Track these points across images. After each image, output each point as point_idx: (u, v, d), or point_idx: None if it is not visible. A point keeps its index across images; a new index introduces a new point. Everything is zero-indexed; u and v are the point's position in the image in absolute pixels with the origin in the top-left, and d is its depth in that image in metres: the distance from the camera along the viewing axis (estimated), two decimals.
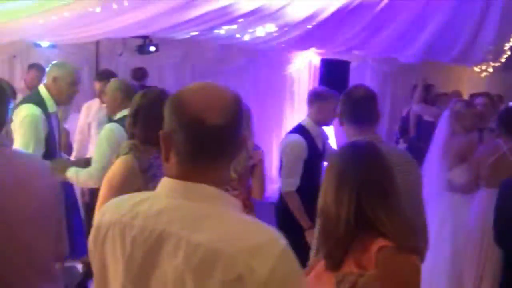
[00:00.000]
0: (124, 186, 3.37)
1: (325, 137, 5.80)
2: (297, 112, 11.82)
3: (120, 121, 4.94)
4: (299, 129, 5.64)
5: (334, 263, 2.50)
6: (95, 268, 1.89)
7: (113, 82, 5.52)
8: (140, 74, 9.69)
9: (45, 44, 9.37)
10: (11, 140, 4.86)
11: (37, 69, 8.57)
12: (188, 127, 1.73)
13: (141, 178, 3.48)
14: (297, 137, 5.52)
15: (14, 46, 9.05)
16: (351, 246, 2.48)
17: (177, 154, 1.77)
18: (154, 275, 1.71)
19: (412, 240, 2.47)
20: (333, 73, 10.74)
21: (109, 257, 1.81)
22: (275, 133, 11.56)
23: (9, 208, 2.69)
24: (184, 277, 1.64)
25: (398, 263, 2.40)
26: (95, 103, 7.13)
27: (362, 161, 2.58)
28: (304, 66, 12.05)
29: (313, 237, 4.92)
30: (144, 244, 1.72)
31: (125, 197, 1.91)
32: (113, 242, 1.79)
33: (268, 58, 11.40)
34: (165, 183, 1.81)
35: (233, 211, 1.77)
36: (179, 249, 1.66)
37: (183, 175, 1.76)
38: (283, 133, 11.10)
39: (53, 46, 9.43)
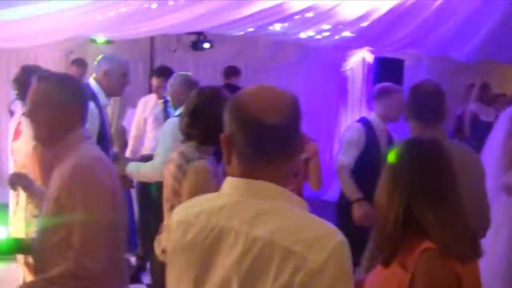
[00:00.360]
0: (204, 191, 3.40)
1: (392, 136, 5.65)
2: (350, 110, 11.75)
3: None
4: (362, 120, 5.59)
5: (384, 259, 2.50)
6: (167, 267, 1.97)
7: (176, 77, 5.55)
8: (232, 72, 9.68)
9: (100, 40, 9.49)
10: None
11: (78, 65, 8.70)
12: (248, 127, 1.77)
13: (215, 180, 3.49)
14: (357, 124, 5.50)
15: (70, 42, 9.17)
16: (400, 246, 2.45)
17: (239, 155, 1.80)
18: (213, 270, 1.76)
19: (460, 246, 2.39)
20: (387, 72, 10.65)
21: (175, 255, 1.89)
22: (328, 131, 11.52)
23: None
24: (242, 271, 1.68)
25: (436, 266, 2.35)
26: (151, 99, 7.18)
27: (418, 161, 2.52)
28: (357, 64, 11.96)
29: (360, 210, 4.88)
30: (205, 240, 1.78)
31: (196, 199, 1.99)
32: (179, 240, 1.86)
33: (321, 55, 11.35)
34: (228, 182, 1.85)
35: (293, 207, 1.79)
36: (237, 243, 1.71)
37: (245, 174, 1.79)
38: (336, 131, 11.08)
39: (108, 42, 9.55)
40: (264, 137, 1.76)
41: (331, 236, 1.68)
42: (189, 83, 5.29)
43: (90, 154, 3.02)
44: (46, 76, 3.16)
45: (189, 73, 5.79)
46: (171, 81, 5.55)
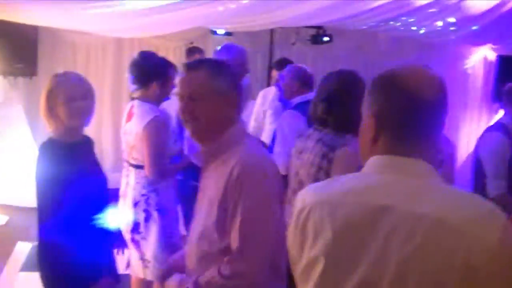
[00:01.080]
0: None
1: None
2: (470, 109, 11.41)
3: (297, 107, 4.97)
4: (501, 128, 5.25)
5: None
6: (294, 249, 1.93)
7: (289, 68, 5.53)
8: None
9: (221, 31, 9.60)
10: None
11: (199, 53, 8.80)
12: (403, 102, 1.77)
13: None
14: (501, 136, 5.14)
15: (192, 33, 9.34)
16: None
17: (390, 131, 1.80)
18: (368, 249, 1.70)
19: None
20: (509, 70, 10.27)
21: (310, 238, 1.84)
22: (446, 130, 11.21)
23: None
24: (408, 251, 1.63)
25: None
26: (271, 91, 7.19)
27: None
28: (479, 62, 11.59)
29: None
30: (361, 219, 1.73)
31: (327, 180, 1.94)
32: (320, 222, 1.81)
33: (442, 52, 11.05)
34: (374, 161, 1.83)
35: (446, 185, 1.77)
36: (401, 222, 1.66)
37: (394, 152, 1.78)
38: (455, 131, 10.76)
39: (228, 34, 9.65)
40: (418, 112, 1.76)
41: (498, 214, 1.64)
42: (302, 76, 5.26)
43: (257, 153, 2.76)
44: (197, 63, 2.90)
45: (303, 65, 5.74)
46: (284, 72, 5.54)
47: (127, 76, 4.78)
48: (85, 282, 3.43)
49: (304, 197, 1.91)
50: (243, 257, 2.56)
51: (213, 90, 2.70)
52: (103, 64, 9.75)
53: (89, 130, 3.80)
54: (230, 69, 2.87)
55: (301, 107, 5.03)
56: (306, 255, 1.86)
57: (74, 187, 3.32)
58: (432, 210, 1.62)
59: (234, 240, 2.58)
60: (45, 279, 3.49)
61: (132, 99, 4.82)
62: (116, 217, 3.95)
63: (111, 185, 3.98)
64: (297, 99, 5.16)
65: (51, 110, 3.46)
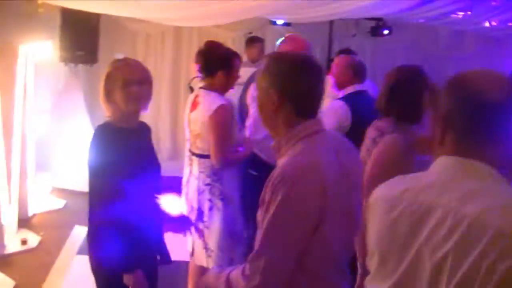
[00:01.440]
0: (391, 164, 3.44)
1: None
2: None
3: (346, 98, 4.96)
4: None
5: None
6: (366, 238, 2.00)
7: (345, 57, 5.50)
8: None
9: (280, 21, 9.59)
10: None
11: (260, 42, 8.77)
12: (470, 103, 1.78)
13: (406, 156, 3.46)
14: None
15: (251, 23, 9.37)
16: None
17: (455, 132, 1.81)
18: (416, 245, 1.74)
19: None
20: None
21: (370, 232, 1.93)
22: None
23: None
24: (447, 248, 1.64)
25: None
26: (329, 81, 7.15)
27: None
28: None
29: None
30: (411, 216, 1.78)
31: (396, 178, 1.98)
32: (379, 218, 1.88)
33: (503, 46, 10.86)
34: (439, 162, 1.85)
35: (506, 188, 1.75)
36: (445, 219, 1.68)
37: (459, 153, 1.79)
38: None
39: (287, 24, 9.63)
40: (485, 113, 1.76)
41: None
42: (357, 66, 5.23)
43: (303, 161, 2.50)
44: (268, 54, 2.85)
45: (354, 55, 5.69)
46: (337, 60, 5.52)
47: (185, 64, 4.80)
48: (130, 267, 3.45)
49: (374, 193, 1.98)
50: (260, 257, 2.47)
51: (261, 84, 2.66)
52: (162, 52, 9.86)
53: (146, 118, 3.83)
54: (279, 68, 2.65)
55: (350, 98, 5.04)
56: (369, 247, 1.94)
57: (123, 172, 3.35)
58: (476, 211, 1.62)
59: (257, 241, 2.52)
60: (92, 262, 3.54)
61: (190, 88, 4.84)
62: (174, 204, 3.97)
63: (167, 173, 4.01)
64: (347, 89, 5.15)
65: (109, 94, 3.50)
